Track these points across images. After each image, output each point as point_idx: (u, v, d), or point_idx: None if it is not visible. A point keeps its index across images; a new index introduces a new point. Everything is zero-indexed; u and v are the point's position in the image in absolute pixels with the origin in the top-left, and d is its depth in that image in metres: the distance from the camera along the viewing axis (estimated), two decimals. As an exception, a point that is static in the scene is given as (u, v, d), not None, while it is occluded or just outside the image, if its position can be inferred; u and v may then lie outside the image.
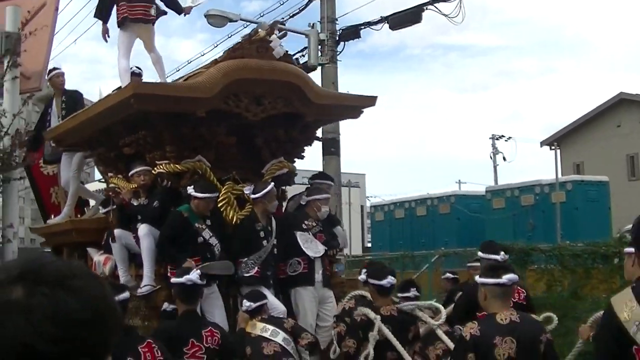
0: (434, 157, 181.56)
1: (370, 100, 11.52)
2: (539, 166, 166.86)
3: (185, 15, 12.87)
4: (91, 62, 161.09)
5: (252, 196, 10.22)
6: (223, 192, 10.30)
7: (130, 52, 12.44)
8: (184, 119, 10.10)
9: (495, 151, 55.95)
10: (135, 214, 10.42)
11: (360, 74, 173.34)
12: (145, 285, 9.44)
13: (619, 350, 4.52)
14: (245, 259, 9.87)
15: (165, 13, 12.58)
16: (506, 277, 6.31)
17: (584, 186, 28.98)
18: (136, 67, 13.36)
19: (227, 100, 10.09)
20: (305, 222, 10.59)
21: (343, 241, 11.74)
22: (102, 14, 12.17)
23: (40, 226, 13.54)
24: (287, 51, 10.79)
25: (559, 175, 31.00)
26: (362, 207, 66.72)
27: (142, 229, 9.90)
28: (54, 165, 13.36)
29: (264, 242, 10.07)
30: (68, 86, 12.76)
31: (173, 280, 8.25)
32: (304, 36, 21.89)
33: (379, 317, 8.18)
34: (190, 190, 9.73)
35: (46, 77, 11.28)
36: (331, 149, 21.25)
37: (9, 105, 8.82)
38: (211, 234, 9.80)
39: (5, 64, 8.86)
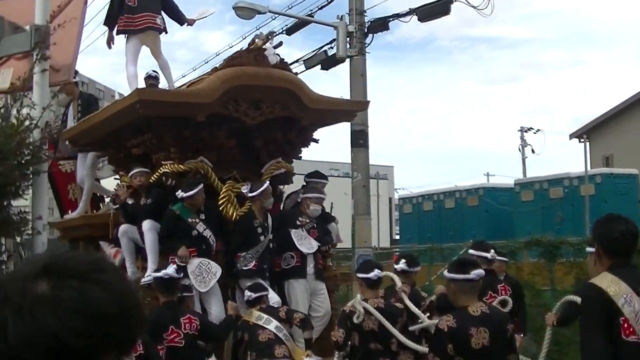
0: (463, 150, 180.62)
1: (362, 105, 12.90)
2: (568, 159, 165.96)
3: (188, 26, 13.58)
4: (120, 54, 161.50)
5: (250, 194, 10.94)
6: (224, 190, 11.04)
7: (137, 59, 13.07)
8: (186, 123, 10.80)
9: (524, 143, 55.68)
10: (133, 211, 11.18)
11: (389, 66, 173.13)
12: (148, 276, 9.91)
13: (609, 321, 5.32)
14: (244, 253, 10.63)
15: (166, 32, 13.20)
16: (474, 273, 6.79)
17: (613, 179, 28.80)
18: (153, 70, 14.32)
19: (227, 105, 10.84)
20: (300, 219, 11.38)
21: (336, 237, 12.37)
22: (109, 22, 12.83)
23: (58, 221, 14.50)
24: (283, 59, 11.46)
25: (588, 168, 30.87)
26: (390, 199, 66.64)
27: (145, 224, 10.57)
28: (71, 163, 14.33)
29: (261, 237, 10.81)
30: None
31: (153, 274, 9.26)
32: (332, 28, 21.91)
33: (364, 306, 8.76)
34: (179, 193, 10.49)
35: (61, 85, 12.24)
36: (360, 140, 21.24)
37: (39, 98, 8.86)
38: (205, 227, 10.55)
39: (35, 57, 8.88)
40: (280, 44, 11.98)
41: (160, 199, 10.86)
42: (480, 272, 6.84)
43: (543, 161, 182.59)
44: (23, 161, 8.23)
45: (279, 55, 11.30)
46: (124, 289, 1.86)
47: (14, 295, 1.76)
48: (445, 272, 7.11)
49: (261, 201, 10.95)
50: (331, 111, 12.31)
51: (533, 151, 54.99)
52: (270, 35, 11.98)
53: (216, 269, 10.36)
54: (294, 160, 12.53)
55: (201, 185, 10.60)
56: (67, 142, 12.83)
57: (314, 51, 23.49)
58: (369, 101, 12.85)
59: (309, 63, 23.38)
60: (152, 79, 14.20)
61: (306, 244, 11.16)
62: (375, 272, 8.92)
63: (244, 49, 11.40)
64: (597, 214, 26.82)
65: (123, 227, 11.10)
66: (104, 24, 13.01)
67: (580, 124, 45.45)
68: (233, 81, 10.74)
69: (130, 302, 1.86)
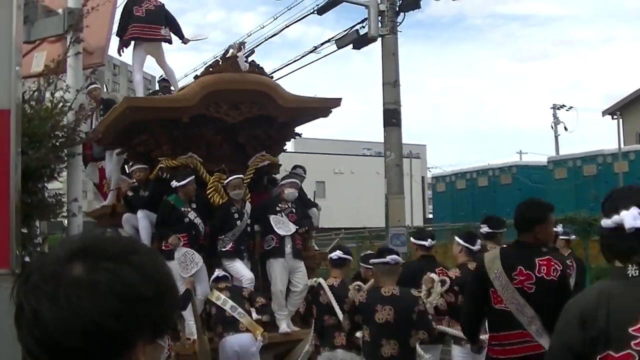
0: (495, 128, 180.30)
1: (335, 102, 13.86)
2: (601, 136, 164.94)
3: (183, 43, 15.34)
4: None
5: (222, 185, 12.60)
6: (211, 181, 12.68)
7: (143, 67, 15.17)
8: (175, 124, 12.44)
9: (557, 121, 55.42)
10: (133, 202, 12.90)
11: (421, 45, 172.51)
12: None
13: (483, 292, 7.02)
14: (222, 236, 12.19)
15: (170, 42, 14.91)
16: (389, 258, 8.63)
17: (646, 156, 28.67)
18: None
19: (209, 107, 12.43)
20: (279, 205, 12.77)
21: (315, 221, 14.17)
22: (120, 32, 14.32)
23: (92, 210, 16.89)
24: (258, 65, 12.95)
25: (622, 145, 30.63)
26: (422, 178, 66.64)
27: (139, 213, 12.42)
28: (103, 161, 15.75)
29: (238, 222, 12.33)
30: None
31: None
32: (364, 7, 21.88)
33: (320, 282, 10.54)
34: (174, 183, 12.00)
35: (85, 91, 12.95)
36: (392, 120, 21.24)
37: (73, 80, 8.91)
38: (196, 215, 12.08)
39: (69, 40, 8.92)
40: (252, 52, 13.96)
41: (156, 191, 12.47)
42: (394, 257, 8.63)
43: (576, 139, 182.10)
44: (58, 143, 8.25)
45: (249, 63, 12.77)
46: (158, 270, 1.87)
47: (47, 280, 1.75)
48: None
49: (228, 191, 12.44)
50: (305, 109, 13.62)
51: (566, 129, 54.84)
52: (243, 45, 13.70)
53: (199, 260, 11.57)
54: (280, 152, 14.22)
55: (192, 177, 12.13)
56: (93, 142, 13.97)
57: (345, 31, 23.47)
58: (340, 98, 13.75)
59: (340, 42, 23.35)
60: (165, 82, 16.03)
61: (284, 227, 12.51)
62: (337, 253, 10.32)
63: (220, 58, 13.01)
64: (631, 191, 26.85)
65: (125, 216, 12.93)
66: (116, 34, 14.23)
67: (613, 100, 45.04)
68: (212, 86, 12.30)
69: (165, 284, 1.87)
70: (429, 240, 10.98)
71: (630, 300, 3.85)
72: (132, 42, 14.59)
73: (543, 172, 31.07)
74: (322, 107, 13.90)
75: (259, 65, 12.99)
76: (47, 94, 8.45)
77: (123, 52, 14.86)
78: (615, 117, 36.33)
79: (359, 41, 22.63)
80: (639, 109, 38.90)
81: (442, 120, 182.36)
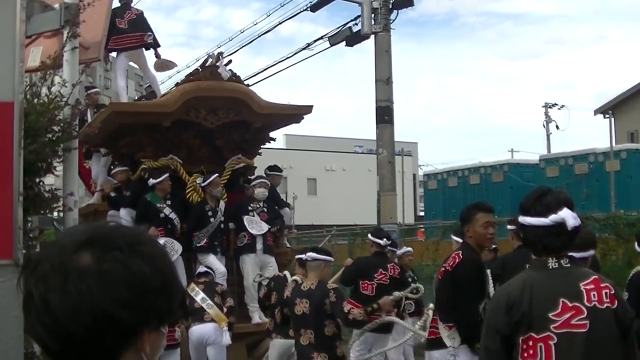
0: (486, 126, 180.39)
1: (307, 109, 14.99)
2: (593, 135, 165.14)
3: (156, 57, 16.50)
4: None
5: (201, 185, 13.65)
6: (190, 181, 13.80)
7: (125, 74, 16.48)
8: (157, 128, 13.55)
9: (548, 119, 55.53)
10: (116, 201, 14.19)
11: (414, 43, 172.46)
12: None
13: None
14: (198, 232, 13.30)
15: (153, 46, 16.14)
16: (308, 255, 9.51)
17: (638, 155, 28.67)
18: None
19: (189, 113, 13.50)
20: (251, 205, 13.94)
21: (287, 220, 15.40)
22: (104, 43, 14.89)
23: (80, 207, 16.85)
24: (235, 74, 13.96)
25: (613, 144, 30.69)
26: (414, 175, 66.74)
27: (122, 211, 13.61)
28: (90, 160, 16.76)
29: (212, 219, 13.45)
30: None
31: None
32: (357, 4, 21.91)
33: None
34: (151, 181, 13.30)
35: (85, 93, 14.27)
36: (385, 117, 21.29)
37: (69, 75, 8.90)
38: (171, 211, 13.26)
39: (65, 35, 8.95)
40: (230, 62, 14.12)
41: (139, 191, 13.64)
42: (312, 254, 9.48)
43: (567, 137, 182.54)
44: (54, 138, 8.27)
45: (230, 71, 13.78)
46: (163, 261, 1.91)
47: (56, 269, 1.78)
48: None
49: (210, 190, 13.55)
50: (278, 115, 14.76)
51: (557, 127, 54.92)
52: (220, 55, 14.30)
53: (178, 247, 12.79)
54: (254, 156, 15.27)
55: (167, 174, 13.35)
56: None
57: (338, 28, 23.51)
58: (312, 105, 14.95)
59: (333, 40, 23.40)
60: (151, 88, 17.50)
61: (256, 226, 13.64)
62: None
63: (200, 66, 14.23)
64: (622, 190, 27.01)
65: (110, 213, 13.95)
66: None
67: (605, 99, 45.20)
68: (191, 93, 13.37)
69: (170, 275, 1.90)
70: (385, 239, 12.48)
71: (550, 289, 4.49)
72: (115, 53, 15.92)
73: (535, 170, 31.13)
74: (294, 114, 15.10)
75: (236, 73, 14.04)
76: (44, 89, 8.48)
77: (109, 60, 16.52)
78: (607, 116, 36.40)
79: (352, 38, 22.67)
80: (630, 108, 39.02)
81: (434, 118, 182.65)
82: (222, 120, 13.77)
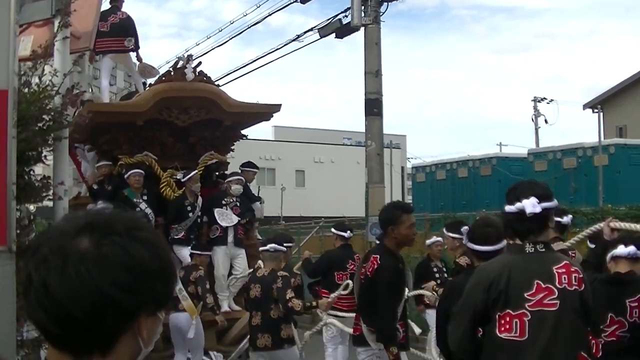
0: (475, 119, 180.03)
1: (275, 108, 15.79)
2: (582, 129, 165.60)
3: (137, 59, 17.33)
4: (137, 24, 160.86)
5: (182, 180, 14.36)
6: (164, 177, 14.57)
7: (109, 74, 17.05)
8: (131, 126, 14.39)
9: (537, 113, 55.57)
10: (98, 194, 14.81)
11: (404, 36, 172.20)
12: None
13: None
14: (176, 225, 14.02)
15: (133, 51, 16.85)
16: (269, 246, 10.40)
17: (626, 150, 28.73)
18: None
19: (161, 112, 14.31)
20: (225, 199, 14.62)
21: (258, 213, 15.96)
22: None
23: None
24: (206, 75, 14.83)
25: (602, 139, 30.75)
26: (402, 168, 66.74)
27: (99, 204, 13.69)
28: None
29: (190, 214, 14.18)
30: None
31: None
32: (347, -4, 21.93)
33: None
34: (125, 175, 14.10)
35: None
36: (374, 109, 21.35)
37: (60, 64, 8.89)
38: (146, 206, 14.00)
39: (56, 24, 8.95)
40: (200, 64, 14.90)
41: (117, 186, 14.45)
42: (273, 245, 10.38)
43: (556, 131, 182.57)
44: (45, 127, 8.28)
45: (197, 73, 14.52)
46: (161, 246, 1.94)
47: (55, 253, 1.81)
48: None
49: (189, 185, 14.23)
50: (248, 114, 15.56)
51: (546, 121, 55.01)
52: (190, 57, 15.09)
53: None
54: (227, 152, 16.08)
55: (133, 170, 14.06)
56: None
57: (328, 19, 23.52)
58: (280, 104, 15.71)
59: (323, 31, 23.40)
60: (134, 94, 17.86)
61: (226, 219, 14.38)
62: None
63: (171, 68, 14.98)
64: (610, 185, 27.08)
65: (89, 206, 13.78)
66: None
67: (594, 94, 45.32)
68: (163, 94, 14.18)
69: (168, 260, 1.95)
70: (349, 232, 13.57)
71: (526, 271, 5.06)
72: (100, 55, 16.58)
73: (523, 164, 31.14)
74: (263, 112, 15.92)
75: (206, 74, 14.90)
76: (35, 79, 8.48)
77: (96, 60, 16.92)
78: (596, 110, 36.47)
79: (342, 30, 22.71)
80: (619, 103, 39.08)
81: (424, 111, 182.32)
82: (194, 118, 14.61)
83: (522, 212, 5.13)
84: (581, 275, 5.06)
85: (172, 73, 14.65)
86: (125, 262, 1.81)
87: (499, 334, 5.02)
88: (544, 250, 5.13)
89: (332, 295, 11.09)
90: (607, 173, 27.26)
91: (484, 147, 58.89)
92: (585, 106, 40.73)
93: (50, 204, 8.66)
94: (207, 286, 12.73)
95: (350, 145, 67.92)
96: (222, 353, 13.60)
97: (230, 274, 14.39)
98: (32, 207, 10.67)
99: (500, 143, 67.71)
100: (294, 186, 61.97)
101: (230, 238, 14.35)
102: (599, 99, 39.84)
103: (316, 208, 51.94)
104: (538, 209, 5.07)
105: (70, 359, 1.85)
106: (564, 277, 5.00)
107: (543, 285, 4.99)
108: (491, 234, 6.29)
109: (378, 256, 8.05)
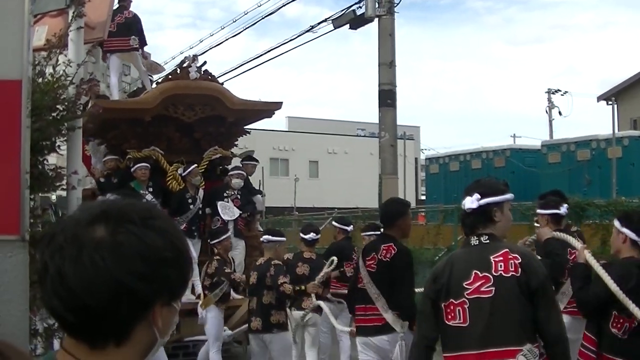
0: (489, 111, 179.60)
1: (276, 105, 16.52)
2: (595, 121, 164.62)
3: (144, 58, 18.08)
4: (152, 14, 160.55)
5: (182, 174, 15.20)
6: (170, 170, 15.38)
7: (118, 72, 17.84)
8: (139, 122, 15.09)
9: (551, 105, 55.42)
10: (105, 186, 15.17)
11: (418, 27, 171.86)
12: None
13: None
14: (177, 217, 14.21)
15: (137, 50, 17.46)
16: (263, 237, 11.58)
17: (640, 142, 28.71)
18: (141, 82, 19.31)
19: (168, 109, 15.11)
20: (227, 192, 15.48)
21: (259, 206, 16.81)
22: (100, 43, 15.92)
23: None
24: (211, 73, 15.77)
25: (616, 131, 30.66)
26: (416, 159, 66.73)
27: (108, 196, 13.49)
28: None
29: (191, 206, 14.86)
30: None
31: None
32: (361, -13, 21.87)
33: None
34: (132, 168, 14.78)
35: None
36: (387, 100, 21.26)
37: (74, 55, 8.92)
38: (152, 198, 14.15)
39: (70, 14, 8.97)
40: (205, 63, 15.79)
41: (125, 178, 14.98)
42: (266, 237, 11.49)
43: (570, 123, 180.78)
44: (58, 117, 8.30)
45: (202, 72, 15.41)
46: (177, 235, 1.94)
47: (70, 241, 1.82)
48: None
49: (190, 179, 15.02)
50: (250, 111, 16.28)
51: (560, 113, 54.84)
52: (195, 57, 15.92)
53: None
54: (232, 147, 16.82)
55: (140, 164, 14.74)
56: None
57: (342, 10, 23.44)
58: (281, 102, 16.42)
59: (337, 22, 23.30)
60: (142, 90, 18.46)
61: (228, 212, 15.17)
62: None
63: (177, 66, 15.88)
64: (624, 177, 27.01)
65: (99, 198, 14.01)
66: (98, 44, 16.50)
67: (608, 86, 45.12)
68: (169, 91, 14.98)
69: (183, 249, 1.94)
70: (351, 226, 14.24)
71: (466, 262, 5.47)
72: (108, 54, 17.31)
73: (536, 155, 31.07)
74: (265, 109, 16.71)
75: (211, 73, 15.81)
76: (49, 68, 8.49)
77: (107, 59, 17.48)
78: (610, 102, 36.36)
79: (356, 21, 22.59)
80: (634, 95, 38.90)
81: (437, 103, 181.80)
82: (199, 115, 15.37)
83: (465, 208, 5.61)
84: (519, 261, 5.33)
85: (178, 72, 15.51)
86: (140, 251, 1.82)
87: (447, 322, 5.45)
88: (488, 241, 5.50)
89: (319, 276, 11.44)
90: (620, 165, 27.19)
91: (498, 139, 59.01)
92: (599, 98, 40.56)
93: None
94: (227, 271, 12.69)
95: (364, 136, 67.84)
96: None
97: None
98: (53, 197, 10.79)
99: (514, 135, 67.67)
100: (308, 177, 62.06)
101: (231, 229, 14.72)
102: (613, 90, 39.66)
103: (329, 199, 52.01)
104: (475, 205, 5.50)
105: (86, 348, 1.86)
106: (500, 265, 5.35)
107: (480, 274, 5.38)
108: None
109: (392, 244, 8.79)
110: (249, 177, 16.58)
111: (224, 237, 13.11)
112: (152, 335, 1.91)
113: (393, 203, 9.75)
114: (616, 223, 6.80)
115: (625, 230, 6.64)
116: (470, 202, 5.52)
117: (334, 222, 15.12)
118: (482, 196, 5.51)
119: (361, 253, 9.34)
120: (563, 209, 9.27)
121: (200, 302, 12.78)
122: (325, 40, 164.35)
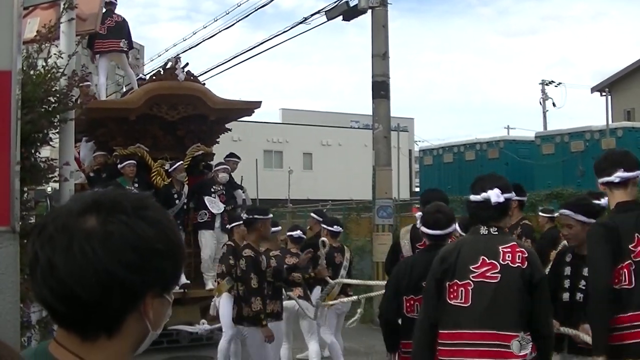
0: (483, 103, 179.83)
1: (256, 104, 17.73)
2: (589, 112, 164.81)
3: (130, 50, 18.82)
4: (146, 6, 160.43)
5: (168, 171, 16.21)
6: (155, 166, 16.40)
7: (106, 72, 18.39)
8: (125, 120, 16.16)
9: (545, 97, 55.44)
10: (94, 181, 16.07)
11: (412, 19, 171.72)
12: None
13: (395, 256, 9.84)
14: None
15: (126, 52, 18.20)
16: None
17: (634, 133, 28.55)
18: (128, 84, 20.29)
19: (152, 108, 16.16)
20: (213, 187, 16.41)
21: (240, 200, 17.42)
22: (89, 45, 17.42)
23: None
24: (193, 74, 16.93)
25: (610, 122, 30.65)
26: (410, 151, 66.70)
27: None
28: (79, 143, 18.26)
29: (177, 201, 15.91)
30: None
31: None
32: (354, -22, 21.83)
33: None
34: (119, 165, 15.71)
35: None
36: (381, 92, 21.23)
37: (65, 46, 8.89)
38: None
39: (62, 6, 8.94)
40: (187, 64, 16.68)
41: (111, 174, 15.92)
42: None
43: (564, 115, 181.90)
44: (50, 109, 8.29)
45: (185, 73, 16.33)
46: (169, 226, 1.93)
47: (61, 231, 1.81)
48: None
49: (175, 175, 16.12)
50: (230, 110, 17.43)
51: (554, 104, 54.86)
52: (178, 59, 17.33)
53: None
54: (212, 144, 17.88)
55: (129, 161, 15.73)
56: None
57: (335, 2, 23.39)
58: (260, 101, 17.62)
59: (330, 14, 23.25)
60: (141, 80, 19.07)
61: (216, 206, 16.18)
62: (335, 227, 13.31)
63: (161, 67, 17.29)
64: (617, 168, 26.92)
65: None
66: (86, 46, 17.07)
67: (602, 77, 45.17)
68: (153, 92, 16.06)
69: (175, 239, 1.93)
70: (337, 227, 13.76)
71: (475, 248, 5.86)
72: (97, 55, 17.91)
73: (530, 147, 31.03)
74: (245, 108, 17.88)
75: (193, 74, 16.97)
76: (41, 61, 8.48)
77: (96, 60, 18.08)
78: (604, 93, 36.38)
79: (349, 13, 22.52)
80: (627, 86, 38.90)
81: (431, 94, 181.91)
82: (182, 114, 16.40)
83: (487, 201, 5.90)
84: (526, 255, 5.76)
85: (162, 73, 16.63)
86: (131, 241, 1.80)
87: (449, 301, 5.83)
88: (496, 233, 5.93)
89: (321, 259, 12.03)
90: (614, 156, 27.14)
91: (492, 130, 59.17)
92: (593, 89, 40.58)
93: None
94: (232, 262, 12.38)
95: (358, 128, 67.83)
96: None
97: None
98: (49, 189, 10.79)
99: (508, 126, 67.75)
100: (302, 169, 61.96)
101: (217, 224, 16.16)
102: (607, 82, 39.66)
103: (323, 191, 51.98)
104: (501, 199, 5.89)
105: (78, 340, 1.86)
106: (508, 255, 5.75)
107: (488, 261, 5.77)
108: (441, 219, 7.32)
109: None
110: (231, 173, 17.24)
111: (239, 222, 12.95)
112: (144, 327, 1.90)
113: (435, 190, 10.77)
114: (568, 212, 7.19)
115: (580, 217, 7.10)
116: (497, 196, 5.86)
117: (312, 214, 15.68)
118: (503, 191, 5.91)
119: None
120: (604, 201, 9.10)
121: (214, 290, 13.27)
122: (319, 32, 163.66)
